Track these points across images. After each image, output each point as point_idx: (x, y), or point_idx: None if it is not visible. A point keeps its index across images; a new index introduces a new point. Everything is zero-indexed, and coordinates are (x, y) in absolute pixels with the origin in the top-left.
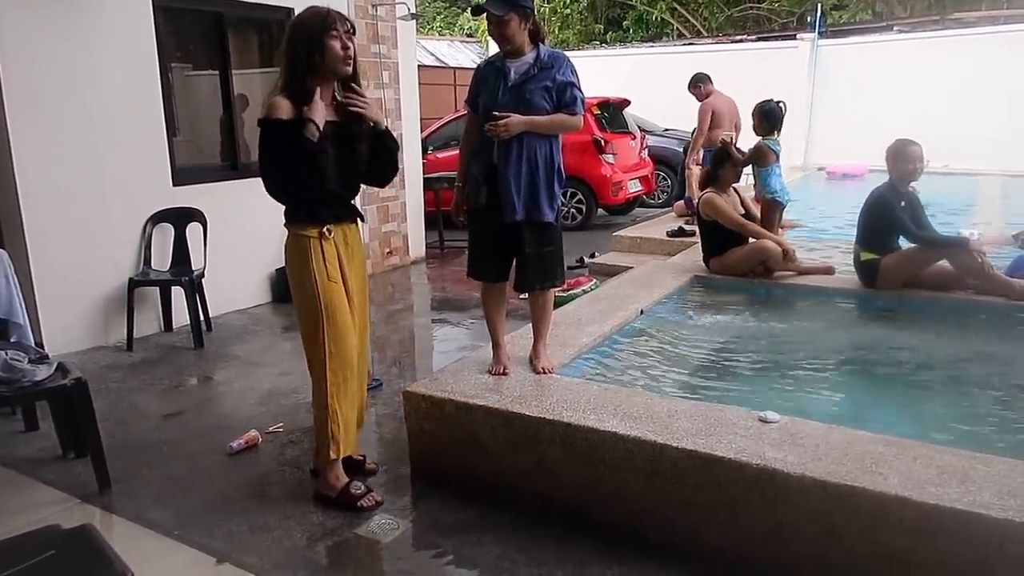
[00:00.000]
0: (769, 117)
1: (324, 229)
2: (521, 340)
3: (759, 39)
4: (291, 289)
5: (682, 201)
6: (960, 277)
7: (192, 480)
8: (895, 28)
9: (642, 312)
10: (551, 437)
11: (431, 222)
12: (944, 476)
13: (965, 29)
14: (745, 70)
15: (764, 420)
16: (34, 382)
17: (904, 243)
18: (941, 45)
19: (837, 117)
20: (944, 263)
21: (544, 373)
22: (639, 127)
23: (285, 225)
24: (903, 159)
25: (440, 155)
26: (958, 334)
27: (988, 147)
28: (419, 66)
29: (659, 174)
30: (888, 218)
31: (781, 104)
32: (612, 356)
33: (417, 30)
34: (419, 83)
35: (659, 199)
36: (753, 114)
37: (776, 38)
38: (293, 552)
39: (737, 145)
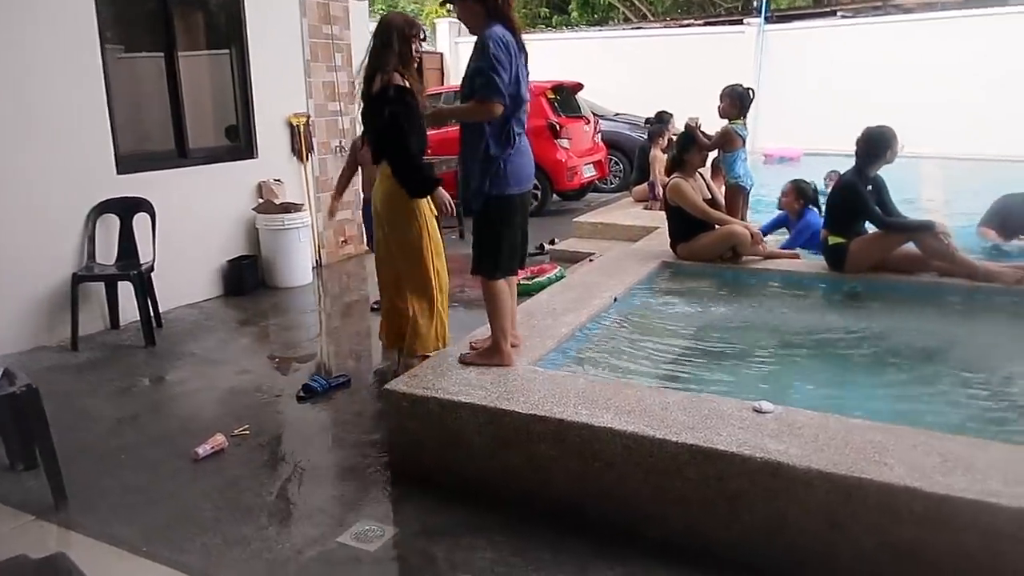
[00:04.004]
0: (740, 101)
1: None
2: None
3: (706, 23)
4: (394, 229)
5: (643, 186)
6: (926, 260)
7: (156, 490)
8: (838, 14)
9: (615, 300)
10: (542, 434)
11: None
12: (948, 464)
13: (905, 15)
14: (693, 55)
15: (758, 410)
16: None
17: (870, 227)
18: (883, 30)
19: (783, 102)
20: (910, 246)
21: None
22: (592, 112)
23: (391, 173)
24: (877, 144)
25: None
26: (926, 316)
27: (930, 132)
28: None
29: (611, 158)
30: (855, 203)
31: (750, 90)
32: (591, 346)
33: (370, 12)
34: None
35: (612, 184)
36: (722, 97)
37: (723, 23)
38: (275, 565)
39: (703, 129)
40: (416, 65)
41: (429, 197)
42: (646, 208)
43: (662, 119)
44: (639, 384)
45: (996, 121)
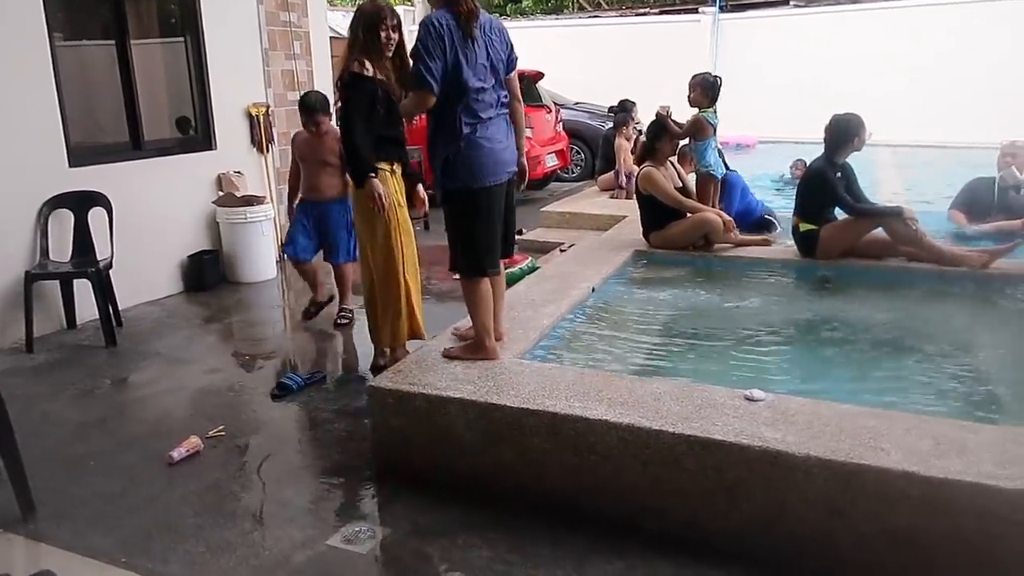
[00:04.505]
0: (710, 90)
1: (393, 164)
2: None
3: (662, 12)
4: (361, 216)
5: (609, 174)
6: (894, 245)
7: (131, 497)
8: (791, 3)
9: (594, 290)
10: (535, 428)
11: None
12: (941, 447)
13: (858, 5)
14: (649, 43)
15: (750, 398)
16: None
17: (840, 213)
18: (837, 20)
19: (738, 90)
20: (879, 231)
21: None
22: (552, 101)
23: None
24: (845, 132)
25: None
26: (897, 301)
27: (884, 118)
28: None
29: (572, 147)
30: (825, 190)
31: (718, 78)
32: (574, 337)
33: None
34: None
35: (573, 173)
36: (692, 86)
37: (679, 11)
38: (263, 572)
39: (673, 118)
40: (391, 54)
41: (402, 188)
42: (612, 197)
43: (625, 107)
44: (628, 375)
45: (948, 109)
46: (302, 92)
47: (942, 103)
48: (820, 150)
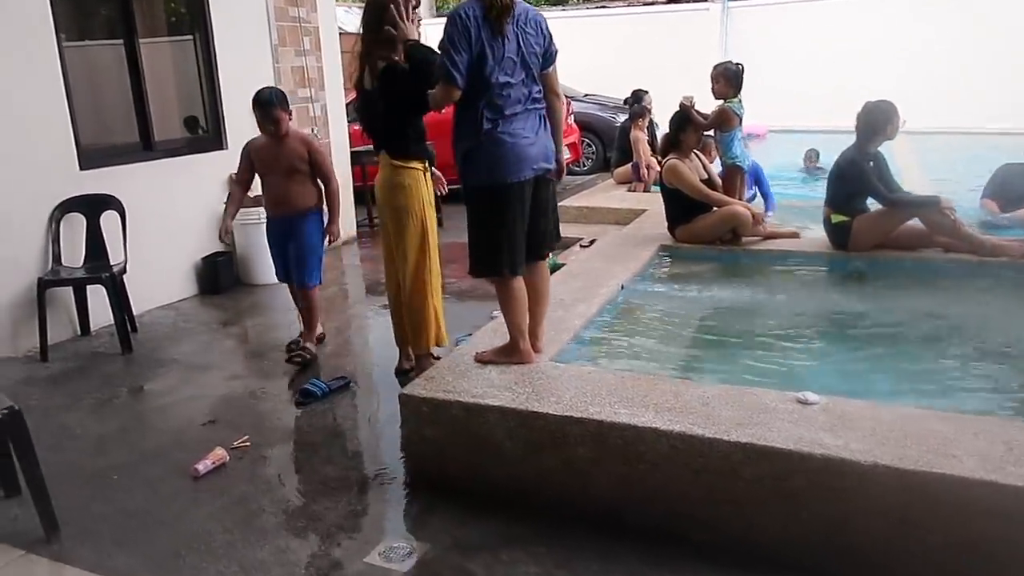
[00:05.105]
0: (734, 78)
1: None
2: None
3: (670, 1)
4: (392, 215)
5: (626, 167)
6: (930, 235)
7: (156, 513)
8: None
9: (622, 287)
10: (580, 436)
11: (358, 198)
12: (1014, 453)
13: None
14: (659, 33)
15: (803, 401)
16: None
17: (873, 204)
18: (847, 7)
19: (748, 79)
20: (914, 222)
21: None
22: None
23: (391, 161)
24: (877, 119)
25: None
26: (936, 293)
27: (902, 106)
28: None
29: (584, 140)
30: (858, 180)
31: (740, 65)
32: (608, 337)
33: None
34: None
35: (585, 166)
36: (715, 77)
37: (688, 0)
38: None
39: (698, 108)
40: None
41: (431, 188)
42: (630, 190)
43: (639, 97)
44: (672, 378)
45: (969, 95)
46: (313, 90)
47: (963, 89)
48: (833, 139)
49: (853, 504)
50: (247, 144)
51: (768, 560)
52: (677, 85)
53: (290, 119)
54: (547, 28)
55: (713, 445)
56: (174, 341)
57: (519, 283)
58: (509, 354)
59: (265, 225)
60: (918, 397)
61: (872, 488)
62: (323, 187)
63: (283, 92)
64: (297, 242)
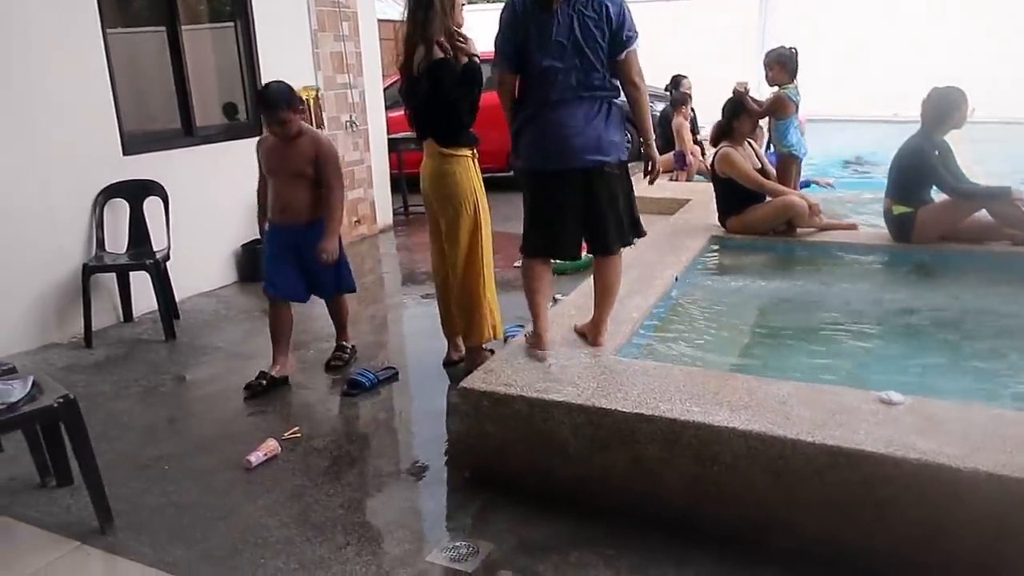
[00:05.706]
0: (789, 63)
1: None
2: (559, 319)
3: None
4: (442, 205)
5: (668, 155)
6: (998, 227)
7: (210, 506)
8: None
9: (677, 279)
10: (650, 435)
11: (394, 186)
12: None
13: None
14: (697, 19)
15: (887, 401)
16: (9, 405)
17: (937, 194)
18: None
19: None
20: (982, 213)
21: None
22: None
23: (439, 149)
24: (945, 107)
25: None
26: (1005, 288)
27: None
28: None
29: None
30: (923, 170)
31: (793, 49)
32: (668, 330)
33: None
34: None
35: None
36: (768, 64)
37: None
38: None
39: (752, 95)
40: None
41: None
42: (672, 179)
43: (678, 84)
44: (743, 375)
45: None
46: (352, 75)
47: (1007, 77)
48: (874, 128)
49: (948, 513)
50: (258, 142)
51: (854, 567)
52: (715, 71)
53: (301, 118)
54: (617, 12)
55: (795, 447)
56: (216, 329)
57: (540, 271)
58: (532, 340)
59: (267, 232)
60: (999, 398)
61: (970, 496)
62: (325, 194)
63: (291, 88)
64: (308, 258)
